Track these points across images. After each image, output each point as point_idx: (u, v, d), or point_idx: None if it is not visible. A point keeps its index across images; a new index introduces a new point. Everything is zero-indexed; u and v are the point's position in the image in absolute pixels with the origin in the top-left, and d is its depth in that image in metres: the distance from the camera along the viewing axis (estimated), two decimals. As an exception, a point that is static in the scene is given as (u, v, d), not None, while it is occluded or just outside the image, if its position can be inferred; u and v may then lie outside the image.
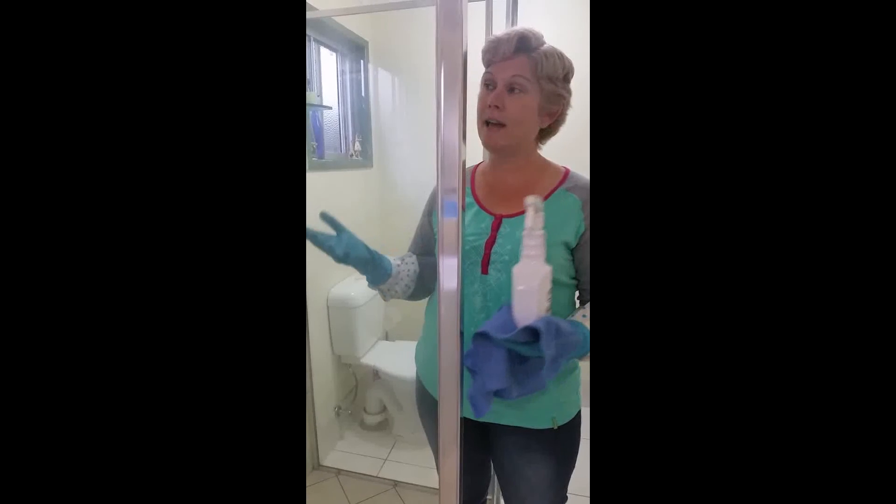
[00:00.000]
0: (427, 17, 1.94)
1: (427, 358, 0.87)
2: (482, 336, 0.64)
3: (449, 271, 0.43)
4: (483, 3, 1.07)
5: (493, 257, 0.73)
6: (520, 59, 0.70)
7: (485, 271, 0.74)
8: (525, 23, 1.14)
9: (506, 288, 0.70)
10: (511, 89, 0.70)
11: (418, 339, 0.92)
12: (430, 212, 0.88)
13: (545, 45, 0.71)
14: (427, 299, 0.89)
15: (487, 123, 0.72)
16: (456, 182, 0.40)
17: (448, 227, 0.41)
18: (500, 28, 1.09)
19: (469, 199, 0.81)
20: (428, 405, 0.89)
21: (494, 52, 0.71)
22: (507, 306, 0.66)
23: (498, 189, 0.79)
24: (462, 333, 0.44)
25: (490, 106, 0.71)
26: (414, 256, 0.88)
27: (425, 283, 0.87)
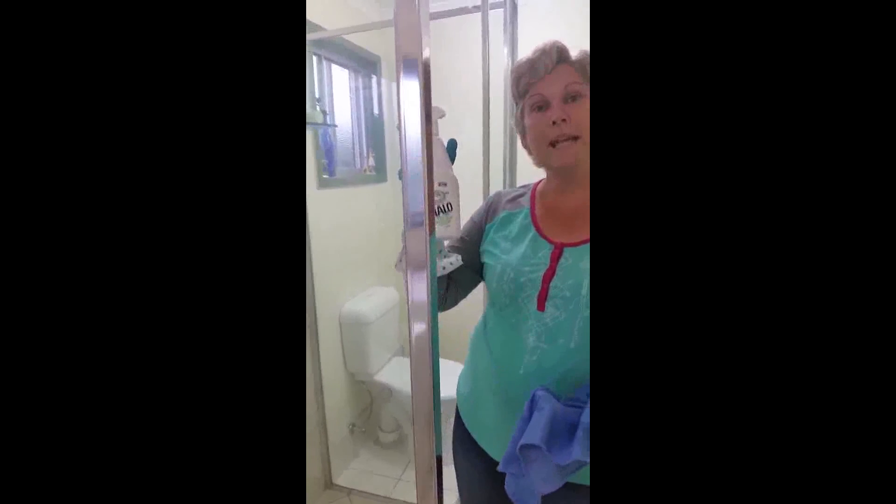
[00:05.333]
0: (436, 30, 1.94)
1: (469, 394, 0.77)
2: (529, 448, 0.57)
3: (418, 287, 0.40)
4: (478, 15, 1.05)
5: (551, 292, 0.65)
6: (564, 69, 0.66)
7: (541, 308, 0.65)
8: (524, 33, 1.12)
9: (564, 328, 0.63)
10: (570, 99, 0.65)
11: (461, 371, 0.82)
12: (481, 220, 0.81)
13: (579, 50, 0.67)
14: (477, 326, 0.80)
15: (554, 144, 0.66)
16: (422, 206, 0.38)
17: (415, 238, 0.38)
18: (497, 40, 1.08)
19: (526, 222, 0.73)
20: (466, 446, 0.78)
21: (533, 72, 0.66)
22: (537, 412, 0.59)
23: (560, 212, 0.71)
24: (437, 346, 0.41)
25: (554, 123, 0.65)
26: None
27: (452, 291, 0.80)
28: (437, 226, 0.64)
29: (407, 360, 2.03)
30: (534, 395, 0.60)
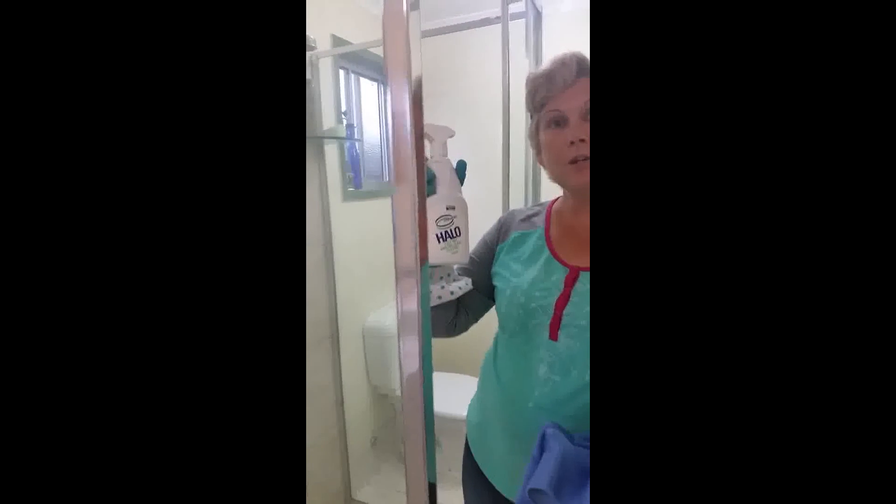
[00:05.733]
0: (466, 41, 1.93)
1: (478, 424, 0.73)
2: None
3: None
4: (498, 26, 1.02)
5: (564, 320, 0.60)
6: (584, 83, 0.61)
7: (553, 336, 0.61)
8: (550, 42, 1.09)
9: (579, 359, 0.59)
10: (587, 117, 0.60)
11: (472, 398, 0.79)
12: (490, 242, 0.77)
13: None
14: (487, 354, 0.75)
15: (572, 163, 0.62)
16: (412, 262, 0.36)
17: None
18: (518, 52, 1.05)
19: (540, 243, 0.69)
20: (474, 478, 0.74)
21: (551, 84, 0.62)
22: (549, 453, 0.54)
23: (577, 233, 0.66)
24: (430, 365, 0.38)
25: (573, 143, 0.60)
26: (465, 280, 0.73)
27: (462, 316, 0.76)
28: (445, 252, 0.61)
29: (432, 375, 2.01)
30: (543, 433, 0.56)
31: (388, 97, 0.36)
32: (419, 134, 0.37)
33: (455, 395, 1.78)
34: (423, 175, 0.37)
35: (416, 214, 0.36)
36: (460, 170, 0.63)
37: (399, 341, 0.38)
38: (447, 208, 0.60)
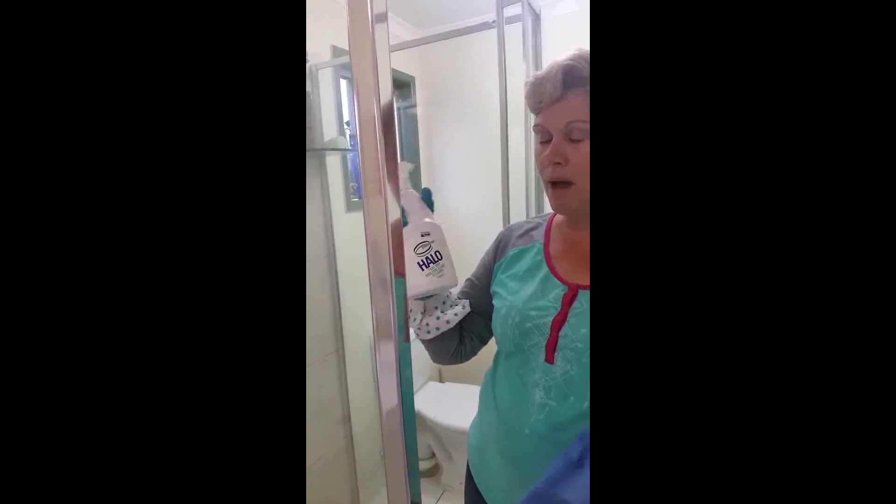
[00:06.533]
0: (467, 47, 1.91)
1: (477, 447, 0.70)
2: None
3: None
4: (493, 31, 0.99)
5: (561, 342, 0.56)
6: (573, 98, 0.55)
7: (550, 359, 0.57)
8: (550, 43, 1.05)
9: (576, 384, 0.55)
10: (570, 138, 0.56)
11: (473, 420, 0.76)
12: (491, 263, 0.73)
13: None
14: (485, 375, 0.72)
15: (553, 183, 0.58)
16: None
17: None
18: (517, 55, 1.02)
19: (538, 259, 0.65)
20: (475, 500, 0.71)
21: (539, 97, 0.57)
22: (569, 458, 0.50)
23: (577, 248, 0.63)
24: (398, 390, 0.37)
25: (549, 165, 0.57)
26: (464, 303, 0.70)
27: (467, 341, 0.72)
28: (431, 278, 0.61)
29: (442, 385, 1.98)
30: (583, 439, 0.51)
31: (357, 112, 0.35)
32: (392, 151, 0.35)
33: (468, 406, 1.74)
34: (397, 182, 0.36)
35: (389, 224, 0.35)
36: (426, 198, 0.64)
37: (375, 354, 0.38)
38: (422, 235, 0.61)
